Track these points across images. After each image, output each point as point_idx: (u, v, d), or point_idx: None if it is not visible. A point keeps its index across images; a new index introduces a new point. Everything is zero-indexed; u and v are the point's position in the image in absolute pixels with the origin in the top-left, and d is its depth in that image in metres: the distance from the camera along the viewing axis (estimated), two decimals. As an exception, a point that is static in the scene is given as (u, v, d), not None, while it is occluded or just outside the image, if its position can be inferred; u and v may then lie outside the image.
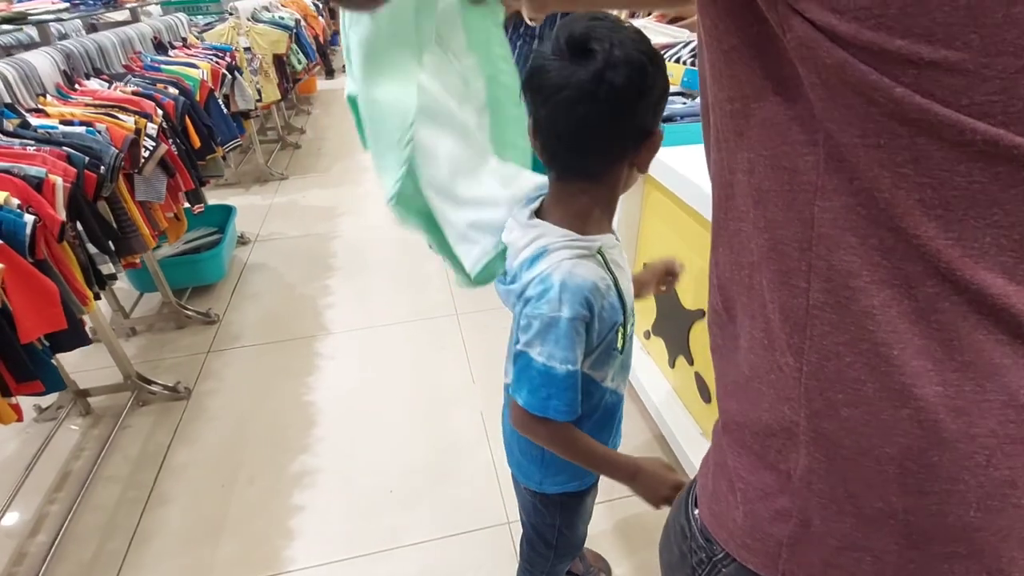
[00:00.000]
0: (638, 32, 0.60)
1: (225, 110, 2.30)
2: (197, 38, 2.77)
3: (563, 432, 0.72)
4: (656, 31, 2.28)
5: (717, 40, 0.35)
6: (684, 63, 1.94)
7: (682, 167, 1.11)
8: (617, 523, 1.48)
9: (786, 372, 0.36)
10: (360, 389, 1.99)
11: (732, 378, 0.43)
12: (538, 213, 0.73)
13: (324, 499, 1.60)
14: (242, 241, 2.98)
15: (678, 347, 1.24)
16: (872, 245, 0.31)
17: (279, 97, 3.49)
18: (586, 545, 1.40)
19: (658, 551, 0.58)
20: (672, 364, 1.29)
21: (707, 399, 1.14)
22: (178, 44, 2.46)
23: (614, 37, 0.58)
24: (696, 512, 0.49)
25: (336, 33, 7.15)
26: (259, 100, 3.19)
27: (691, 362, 1.20)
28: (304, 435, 1.81)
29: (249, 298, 2.54)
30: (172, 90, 1.88)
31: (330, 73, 6.42)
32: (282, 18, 3.65)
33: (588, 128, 0.62)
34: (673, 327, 1.24)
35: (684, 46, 2.04)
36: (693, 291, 1.13)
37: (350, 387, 2.00)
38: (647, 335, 1.40)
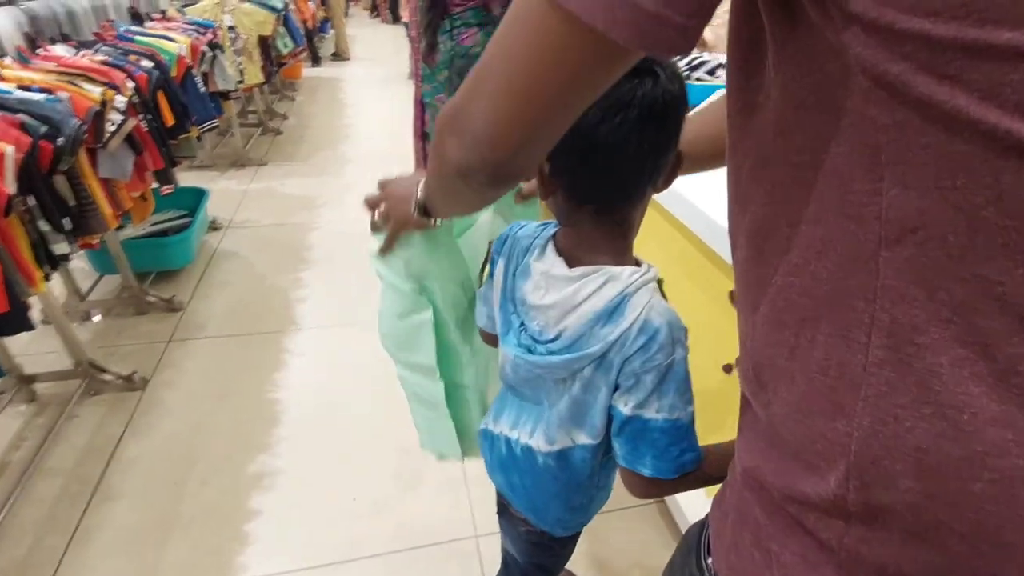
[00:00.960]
0: None
1: (203, 89, 2.20)
2: (179, 12, 2.66)
3: (695, 474, 0.63)
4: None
5: (791, 96, 0.32)
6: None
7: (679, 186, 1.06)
8: (588, 540, 1.44)
9: (832, 439, 0.32)
10: (327, 390, 1.91)
11: (762, 441, 0.39)
12: (569, 262, 0.64)
13: (283, 504, 1.52)
14: (214, 227, 2.87)
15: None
16: (942, 299, 0.27)
17: (262, 80, 3.38)
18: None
19: None
20: (729, 370, 1.24)
21: None
22: (156, 16, 2.35)
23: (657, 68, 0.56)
24: (710, 561, 0.45)
25: (325, 20, 7.02)
26: (241, 82, 3.07)
27: None
28: (265, 435, 1.72)
29: (217, 287, 2.43)
30: (146, 63, 1.78)
31: (316, 60, 6.28)
32: (271, -1, 3.54)
33: (652, 145, 0.56)
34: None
35: (680, 59, 2.02)
36: None
37: (317, 387, 1.92)
38: (727, 369, 1.30)
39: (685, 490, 0.64)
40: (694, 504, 1.36)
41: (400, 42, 8.22)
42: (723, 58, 2.00)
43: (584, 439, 0.69)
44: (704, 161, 0.70)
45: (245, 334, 2.16)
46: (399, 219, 0.72)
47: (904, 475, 0.30)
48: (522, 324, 0.68)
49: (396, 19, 10.19)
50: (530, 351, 0.66)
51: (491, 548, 1.43)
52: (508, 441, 0.79)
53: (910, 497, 0.30)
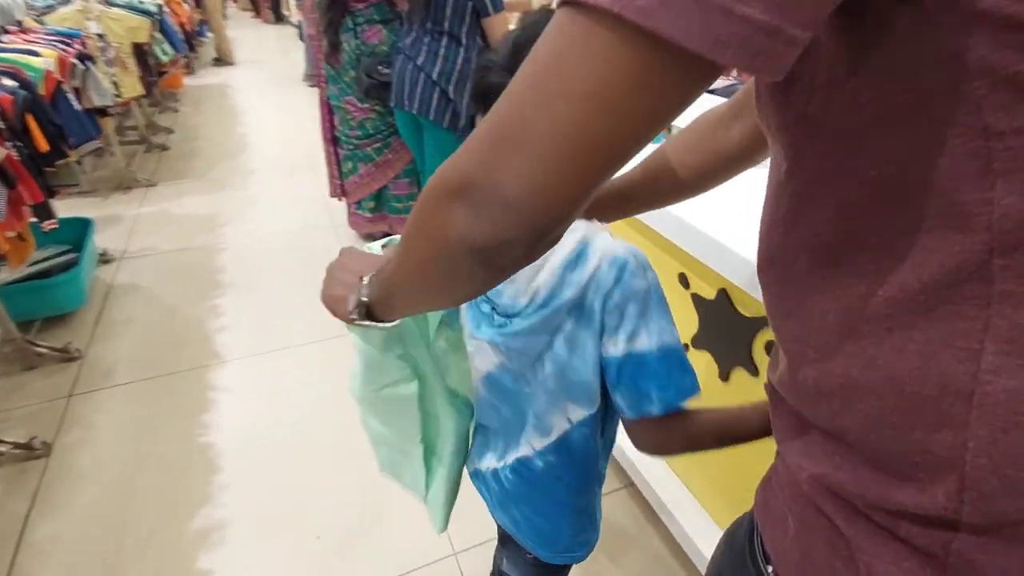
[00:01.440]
0: None
1: (78, 106, 1.94)
2: (37, 22, 2.32)
3: (700, 429, 0.64)
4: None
5: (870, 110, 0.30)
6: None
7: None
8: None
9: (938, 452, 0.31)
10: (269, 423, 1.77)
11: (831, 451, 0.38)
12: None
13: (238, 558, 1.38)
14: (104, 259, 2.56)
15: (735, 359, 1.20)
16: None
17: (142, 92, 3.05)
18: None
19: None
20: (726, 377, 1.24)
21: None
22: (12, 28, 2.04)
23: None
24: (771, 569, 0.44)
25: (202, 23, 6.48)
26: (118, 95, 2.75)
27: (755, 373, 1.16)
28: (205, 484, 1.56)
29: (119, 327, 2.18)
30: (8, 82, 1.53)
31: (188, 67, 5.76)
32: (141, 2, 3.19)
33: None
34: (727, 338, 1.20)
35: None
36: (748, 298, 1.08)
37: (256, 422, 1.77)
38: (685, 348, 1.33)
39: (695, 450, 0.65)
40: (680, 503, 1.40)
41: (288, 42, 7.77)
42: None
43: (580, 412, 0.68)
44: (690, 189, 0.71)
45: (161, 375, 1.94)
46: (335, 313, 0.58)
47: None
48: (492, 307, 0.67)
49: (279, 18, 9.63)
50: (504, 326, 0.65)
51: (471, 562, 1.39)
52: (496, 473, 0.77)
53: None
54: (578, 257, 0.60)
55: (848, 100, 0.30)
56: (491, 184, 0.30)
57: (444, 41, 1.88)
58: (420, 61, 1.90)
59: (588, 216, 0.69)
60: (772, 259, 0.40)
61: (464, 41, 1.87)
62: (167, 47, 3.44)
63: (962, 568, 0.33)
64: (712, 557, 0.58)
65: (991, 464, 0.30)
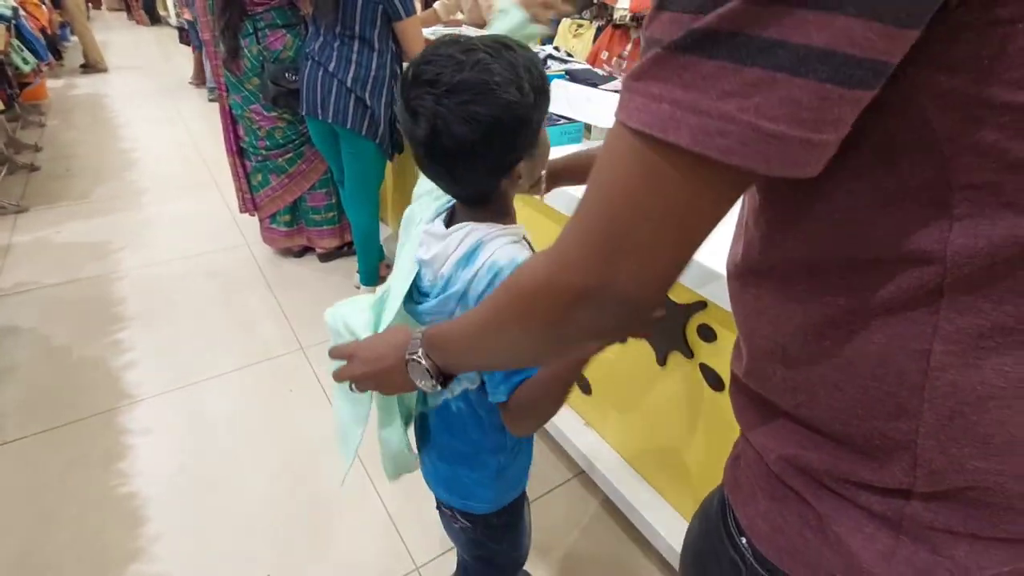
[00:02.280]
0: (482, 64, 0.60)
1: (-75, 128, 1.67)
2: None
3: (539, 379, 0.69)
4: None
5: (853, 161, 0.34)
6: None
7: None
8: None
9: (894, 437, 0.37)
10: (196, 462, 1.63)
11: (798, 434, 0.42)
12: (449, 223, 0.74)
13: (178, 614, 1.27)
14: (-28, 300, 2.24)
15: (670, 344, 1.24)
16: (1007, 311, 0.32)
17: (2, 107, 2.69)
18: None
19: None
20: (663, 362, 1.29)
21: (719, 387, 1.17)
22: None
23: (441, 102, 0.59)
24: (745, 540, 0.48)
25: (64, 25, 5.83)
26: (-29, 112, 2.41)
27: (691, 355, 1.21)
28: (130, 539, 1.41)
29: (0, 376, 1.91)
30: None
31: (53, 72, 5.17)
32: (-9, 5, 2.81)
33: (449, 173, 0.67)
34: (662, 324, 1.24)
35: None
36: (680, 286, 1.12)
37: (181, 463, 1.63)
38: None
39: (551, 402, 0.71)
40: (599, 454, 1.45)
41: (169, 46, 7.16)
42: (549, 48, 2.10)
43: (458, 387, 0.78)
44: None
45: (60, 426, 1.73)
46: (382, 387, 0.67)
47: (972, 458, 0.35)
48: (416, 286, 0.76)
49: (155, 19, 8.87)
50: (420, 303, 0.74)
51: (433, 574, 1.37)
52: (420, 416, 0.88)
53: (977, 475, 0.35)
54: (469, 257, 0.68)
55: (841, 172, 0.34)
56: (612, 289, 0.36)
57: (356, 46, 1.81)
58: (331, 67, 1.82)
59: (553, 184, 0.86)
60: (749, 270, 0.44)
61: (377, 45, 1.81)
62: (27, 55, 3.05)
63: (913, 528, 0.38)
64: (687, 534, 0.61)
65: (939, 445, 0.35)
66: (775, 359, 0.43)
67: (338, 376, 0.68)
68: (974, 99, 0.28)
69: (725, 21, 0.27)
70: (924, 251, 0.33)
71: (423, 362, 0.57)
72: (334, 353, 0.69)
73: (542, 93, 0.64)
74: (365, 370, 0.65)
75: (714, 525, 0.53)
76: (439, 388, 0.59)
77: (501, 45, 0.61)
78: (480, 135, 0.60)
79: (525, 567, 1.35)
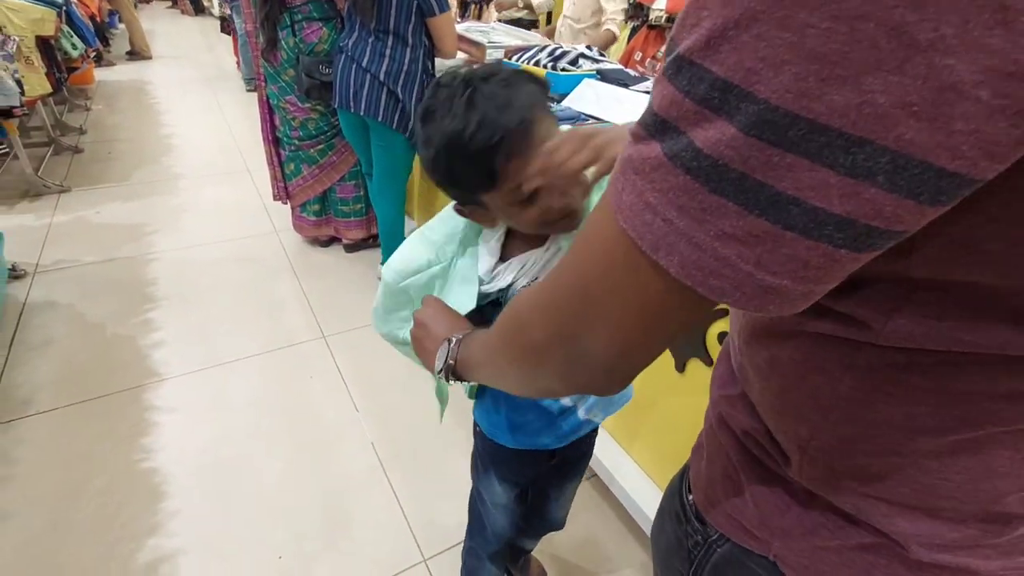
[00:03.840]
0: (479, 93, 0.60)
1: (-22, 108, 1.75)
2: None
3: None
4: (509, 35, 2.27)
5: None
6: (544, 67, 1.96)
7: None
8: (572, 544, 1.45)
9: (792, 436, 0.41)
10: (217, 442, 1.67)
11: (740, 400, 0.46)
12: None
13: (193, 589, 1.31)
14: (15, 274, 2.33)
15: (690, 351, 1.24)
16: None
17: (50, 90, 2.80)
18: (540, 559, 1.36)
19: (651, 538, 0.64)
20: (682, 368, 1.29)
21: None
22: None
23: (440, 128, 0.61)
24: (691, 497, 0.52)
25: (112, 12, 6.02)
26: (22, 94, 2.51)
27: (710, 363, 1.20)
28: (150, 514, 1.46)
29: (37, 349, 1.99)
30: None
31: (98, 58, 5.30)
32: (45, -9, 2.91)
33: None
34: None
35: (540, 49, 2.06)
36: None
37: (203, 442, 1.67)
38: None
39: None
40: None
41: (211, 37, 7.34)
42: (581, 47, 2.09)
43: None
44: None
45: (91, 399, 1.80)
46: (418, 342, 0.69)
47: (846, 467, 0.39)
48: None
49: (199, 10, 9.09)
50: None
51: (441, 567, 1.38)
52: None
53: (845, 469, 0.39)
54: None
55: None
56: (572, 349, 0.37)
57: (390, 41, 1.83)
58: (364, 63, 1.84)
59: None
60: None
61: (411, 40, 1.83)
62: (76, 41, 3.16)
63: (801, 488, 0.43)
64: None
65: (824, 454, 0.40)
66: (735, 350, 0.47)
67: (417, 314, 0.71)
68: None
69: (734, 156, 0.24)
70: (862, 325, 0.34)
71: (448, 355, 0.60)
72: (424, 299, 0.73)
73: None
74: (421, 318, 0.68)
75: (674, 486, 0.59)
76: (444, 380, 0.62)
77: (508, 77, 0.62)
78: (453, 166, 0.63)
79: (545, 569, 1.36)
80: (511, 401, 0.87)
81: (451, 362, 0.60)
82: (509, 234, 0.75)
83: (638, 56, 2.91)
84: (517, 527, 1.07)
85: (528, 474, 0.99)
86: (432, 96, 0.63)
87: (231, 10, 4.81)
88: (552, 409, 0.87)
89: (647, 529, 1.37)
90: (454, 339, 0.61)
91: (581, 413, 0.88)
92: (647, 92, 1.68)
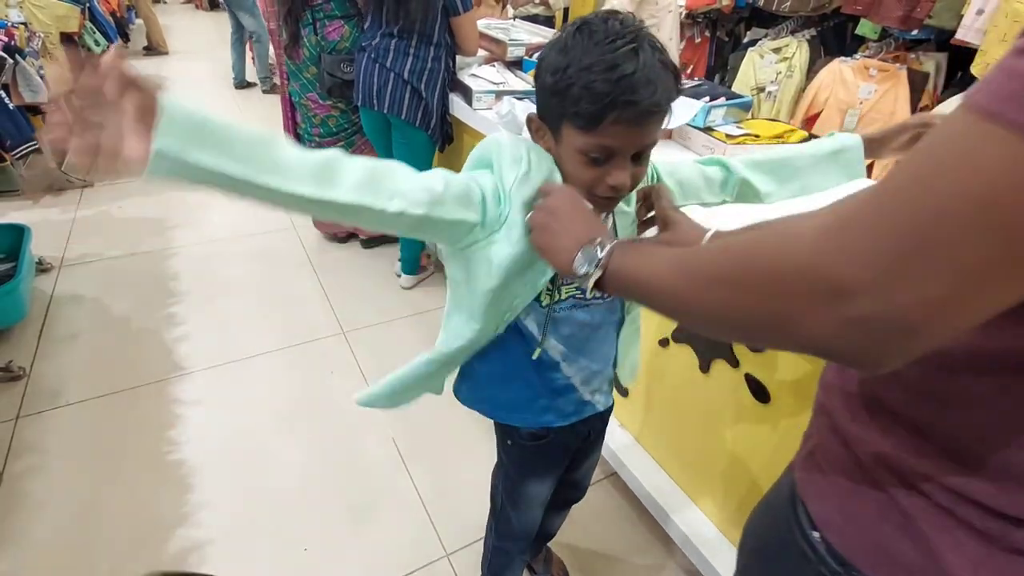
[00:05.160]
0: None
1: (11, 104, 1.78)
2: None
3: None
4: (530, 32, 2.27)
5: None
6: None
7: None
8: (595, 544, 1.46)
9: None
10: (241, 435, 1.70)
11: (908, 434, 0.42)
12: None
13: (221, 579, 1.34)
14: (41, 268, 2.38)
15: (716, 352, 1.23)
16: None
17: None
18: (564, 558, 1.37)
19: (748, 555, 0.59)
20: (706, 369, 1.28)
21: (765, 399, 1.16)
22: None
23: (593, 50, 0.61)
24: (817, 535, 0.48)
25: (130, 8, 6.07)
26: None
27: (736, 364, 1.19)
28: (178, 505, 1.49)
29: (65, 341, 2.03)
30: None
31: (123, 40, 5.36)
32: (69, -13, 2.95)
33: None
34: None
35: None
36: None
37: (227, 435, 1.70)
38: (664, 343, 1.37)
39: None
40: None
41: (226, 32, 7.36)
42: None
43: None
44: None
45: (118, 392, 1.83)
46: (553, 260, 0.61)
47: None
48: None
49: (215, 5, 9.14)
50: None
51: (464, 562, 1.39)
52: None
53: None
54: None
55: None
56: (887, 304, 0.28)
57: (414, 40, 1.84)
58: (388, 63, 1.85)
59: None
60: None
61: (435, 39, 1.84)
62: (99, 37, 3.20)
63: (1010, 546, 0.38)
64: (748, 523, 0.62)
65: None
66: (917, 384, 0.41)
67: (536, 210, 0.63)
68: None
69: None
70: None
71: (600, 255, 0.53)
72: (544, 188, 0.66)
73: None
74: (547, 220, 0.60)
75: (783, 517, 0.53)
76: (590, 289, 0.56)
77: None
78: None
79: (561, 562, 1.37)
80: (492, 375, 0.87)
81: (599, 270, 0.53)
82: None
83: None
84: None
85: (564, 462, 1.00)
86: (593, 21, 0.62)
87: (227, 7, 4.74)
88: (549, 386, 0.85)
89: (667, 528, 1.38)
90: (607, 242, 0.54)
91: (584, 392, 0.88)
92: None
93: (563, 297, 0.78)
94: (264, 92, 4.96)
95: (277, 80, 3.33)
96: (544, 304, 0.77)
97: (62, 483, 1.53)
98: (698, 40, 3.09)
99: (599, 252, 0.54)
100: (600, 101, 0.59)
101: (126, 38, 4.39)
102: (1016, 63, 0.25)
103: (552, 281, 0.74)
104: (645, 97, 0.59)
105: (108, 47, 3.40)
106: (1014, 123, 0.24)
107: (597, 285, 0.55)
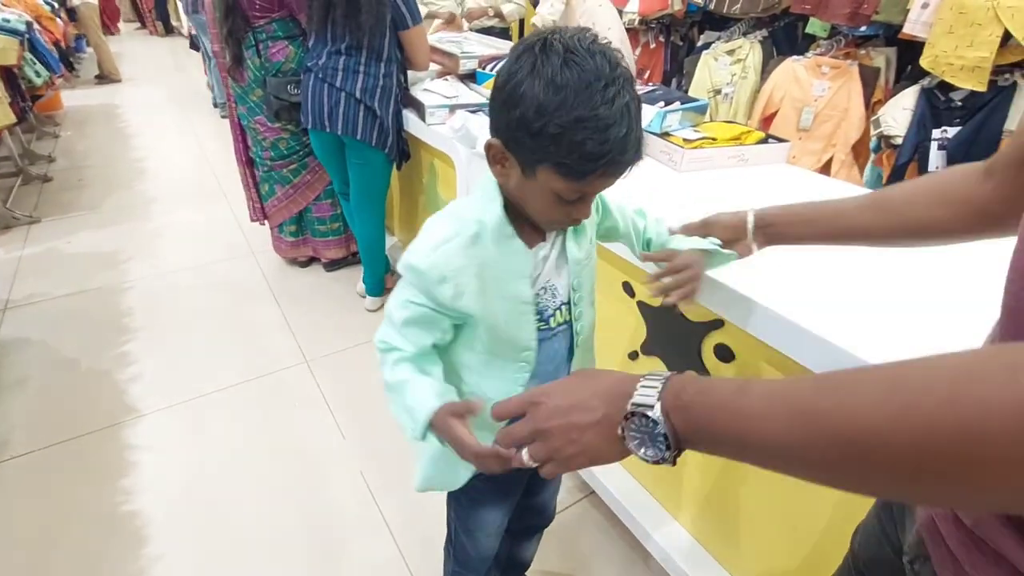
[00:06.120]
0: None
1: (-67, 144, 1.68)
2: None
3: None
4: (483, 44, 2.24)
5: None
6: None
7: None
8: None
9: None
10: (199, 480, 1.61)
11: None
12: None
13: (178, 638, 1.25)
14: (-17, 312, 2.25)
15: (685, 364, 1.20)
16: None
17: (14, 120, 2.72)
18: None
19: None
20: None
21: None
22: None
23: (584, 99, 0.59)
24: None
25: (80, 37, 5.91)
26: (-17, 126, 2.43)
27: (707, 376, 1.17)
28: (133, 559, 1.40)
29: (10, 388, 1.92)
30: None
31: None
32: (7, 20, 2.83)
33: None
34: (676, 343, 1.20)
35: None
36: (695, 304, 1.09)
37: (184, 481, 1.61)
38: (633, 356, 1.34)
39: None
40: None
41: (182, 57, 7.25)
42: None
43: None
44: (924, 239, 0.68)
45: (67, 439, 1.73)
46: (571, 453, 0.46)
47: None
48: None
49: (169, 30, 8.98)
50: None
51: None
52: None
53: None
54: None
55: None
56: None
57: (363, 57, 1.79)
58: (338, 82, 1.80)
59: (769, 240, 0.81)
60: None
61: (385, 54, 1.79)
62: (40, 68, 3.08)
63: None
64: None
65: None
66: None
67: (506, 439, 0.49)
68: None
69: None
70: None
71: (660, 421, 0.40)
72: (504, 409, 0.51)
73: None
74: (550, 424, 0.45)
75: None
76: (668, 463, 0.42)
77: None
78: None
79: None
80: None
81: (667, 431, 0.39)
82: (506, 208, 0.69)
83: (613, 60, 2.89)
84: (511, 533, 1.08)
85: (518, 490, 0.98)
86: (577, 50, 0.57)
87: (195, 27, 4.73)
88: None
89: (647, 544, 1.34)
90: (649, 387, 0.41)
91: None
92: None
93: None
94: (222, 117, 4.88)
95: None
96: None
97: (7, 541, 1.42)
98: (653, 45, 3.10)
99: (655, 415, 0.40)
100: (593, 160, 0.59)
101: (71, 67, 4.25)
102: None
103: None
104: (632, 156, 0.61)
105: (51, 78, 3.28)
106: None
107: (677, 452, 0.42)
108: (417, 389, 0.66)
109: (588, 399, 0.44)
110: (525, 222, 0.70)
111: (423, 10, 2.91)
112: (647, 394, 0.42)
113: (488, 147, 0.65)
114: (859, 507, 0.68)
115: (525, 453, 0.48)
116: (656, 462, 0.42)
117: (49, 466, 1.64)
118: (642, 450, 0.42)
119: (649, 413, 0.40)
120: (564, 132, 0.57)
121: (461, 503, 0.96)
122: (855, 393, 0.30)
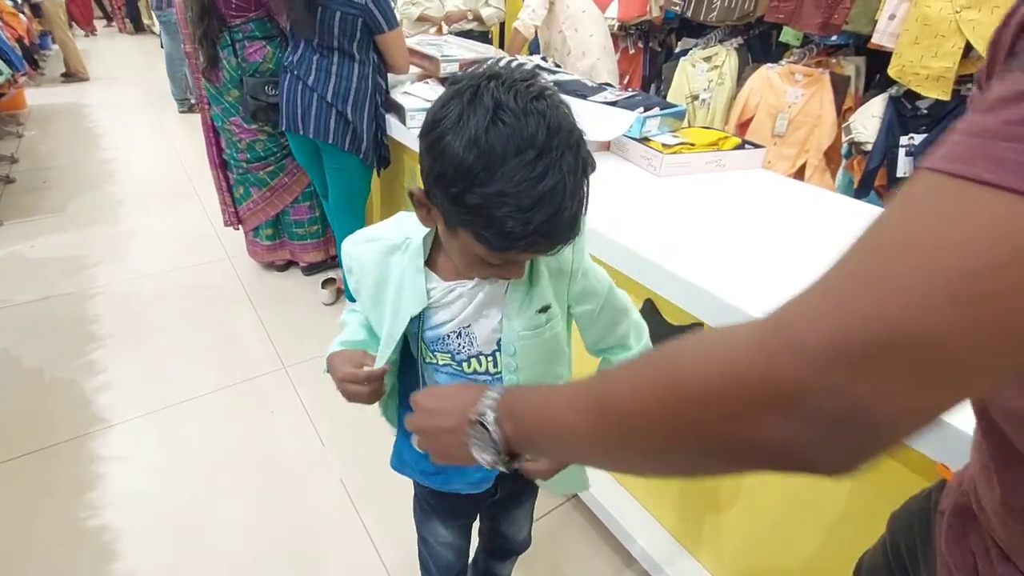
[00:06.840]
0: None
1: None
2: None
3: None
4: (463, 48, 2.24)
5: None
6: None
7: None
8: None
9: None
10: (172, 491, 1.57)
11: None
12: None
13: (150, 657, 1.21)
14: (-60, 320, 2.15)
15: None
16: None
17: (-28, 119, 2.61)
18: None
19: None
20: None
21: None
22: None
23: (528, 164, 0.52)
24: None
25: (44, 33, 5.73)
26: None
27: None
28: (101, 575, 1.35)
29: (-32, 400, 1.84)
30: None
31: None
32: (-38, 15, 2.72)
33: None
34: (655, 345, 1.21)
35: (495, 62, 2.03)
36: (672, 306, 1.09)
37: (156, 492, 1.56)
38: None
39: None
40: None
41: (152, 56, 7.07)
42: (536, 58, 2.06)
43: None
44: None
45: (30, 453, 1.66)
46: (436, 449, 0.54)
47: None
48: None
49: (139, 28, 8.76)
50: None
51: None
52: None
53: None
54: None
55: None
56: (850, 406, 0.23)
57: (335, 58, 1.77)
58: (311, 81, 1.77)
59: None
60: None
61: (358, 57, 1.77)
62: (2, 65, 2.97)
63: None
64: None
65: None
66: None
67: (408, 425, 0.56)
68: None
69: None
70: None
71: (491, 428, 0.45)
72: (411, 399, 0.58)
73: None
74: (421, 423, 0.54)
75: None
76: (501, 468, 0.47)
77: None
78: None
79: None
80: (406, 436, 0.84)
81: (497, 437, 0.45)
82: (434, 247, 0.69)
83: (592, 65, 2.91)
84: (486, 552, 1.11)
85: (469, 513, 1.00)
86: (506, 103, 0.49)
87: (159, 24, 4.65)
88: None
89: (630, 547, 1.34)
90: (489, 397, 0.46)
91: None
92: (604, 103, 1.67)
93: (439, 362, 0.76)
94: (181, 112, 4.87)
95: (194, 100, 3.20)
96: (429, 361, 0.77)
97: (-38, 565, 1.36)
98: (632, 51, 3.14)
99: (488, 423, 0.45)
100: (512, 240, 0.51)
101: (35, 65, 4.11)
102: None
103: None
104: (561, 238, 0.53)
105: (13, 76, 3.17)
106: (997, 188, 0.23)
107: (511, 458, 0.47)
108: (343, 333, 0.79)
109: (452, 407, 0.50)
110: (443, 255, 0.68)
111: (415, 11, 2.91)
112: (486, 404, 0.46)
113: (410, 194, 0.59)
114: (840, 505, 0.69)
115: (415, 439, 0.56)
116: (492, 466, 0.47)
117: (12, 481, 1.58)
118: (481, 455, 0.47)
119: (483, 420, 0.46)
120: (483, 206, 0.50)
121: (415, 510, 1.00)
122: (635, 372, 0.34)
